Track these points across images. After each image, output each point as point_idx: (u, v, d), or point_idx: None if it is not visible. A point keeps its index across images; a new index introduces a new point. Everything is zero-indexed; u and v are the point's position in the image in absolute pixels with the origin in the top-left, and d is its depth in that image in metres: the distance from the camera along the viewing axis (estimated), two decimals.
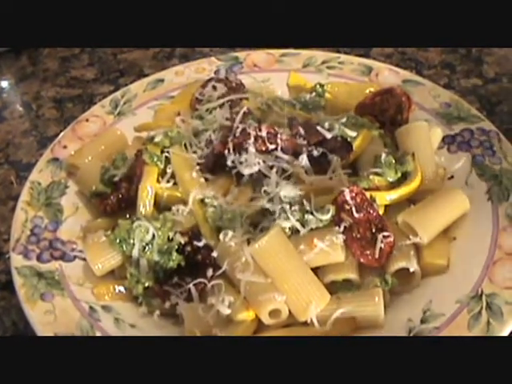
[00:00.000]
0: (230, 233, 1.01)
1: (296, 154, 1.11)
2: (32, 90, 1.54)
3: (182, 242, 1.03)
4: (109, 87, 1.52)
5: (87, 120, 1.29)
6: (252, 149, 1.09)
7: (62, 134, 1.27)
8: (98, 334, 0.97)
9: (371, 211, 1.03)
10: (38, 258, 1.07)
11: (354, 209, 1.02)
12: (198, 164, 1.12)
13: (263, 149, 1.10)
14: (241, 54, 1.42)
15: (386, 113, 1.23)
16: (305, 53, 1.41)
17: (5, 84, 1.59)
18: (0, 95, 1.56)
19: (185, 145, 1.15)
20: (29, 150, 1.39)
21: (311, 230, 1.01)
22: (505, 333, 0.93)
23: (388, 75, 1.34)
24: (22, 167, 1.35)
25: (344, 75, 1.35)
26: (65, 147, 1.24)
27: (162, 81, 1.37)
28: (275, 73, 1.37)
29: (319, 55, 1.40)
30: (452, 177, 1.17)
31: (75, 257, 1.08)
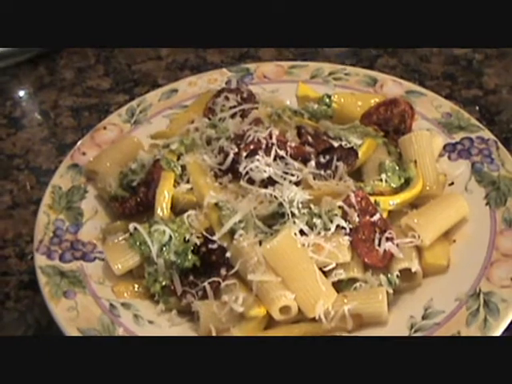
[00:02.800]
0: (243, 234, 1.06)
1: (305, 161, 1.16)
2: (50, 99, 1.60)
3: (198, 243, 1.08)
4: (124, 96, 1.58)
5: (105, 128, 1.34)
6: (263, 156, 1.15)
7: (80, 141, 1.32)
8: (119, 329, 1.03)
9: (376, 214, 1.08)
10: (61, 258, 1.12)
11: (359, 212, 1.08)
12: (212, 170, 1.18)
13: (273, 156, 1.15)
14: (251, 66, 1.47)
15: (389, 122, 1.27)
16: (312, 64, 1.46)
17: (23, 93, 1.64)
18: (19, 104, 1.61)
19: (199, 152, 1.21)
20: (48, 157, 1.45)
21: (319, 232, 1.06)
22: (501, 328, 0.98)
23: (392, 86, 1.39)
24: (42, 173, 1.41)
25: (350, 86, 1.40)
26: (84, 154, 1.29)
27: (175, 91, 1.42)
28: (284, 84, 1.42)
29: (326, 67, 1.45)
30: (452, 183, 1.21)
31: (95, 257, 1.13)
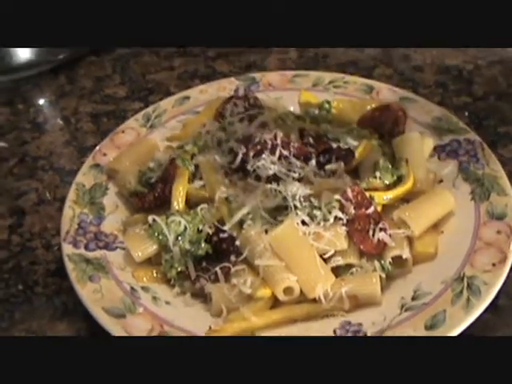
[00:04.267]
0: (251, 225, 1.17)
1: (306, 160, 1.27)
2: (70, 106, 1.71)
3: (210, 233, 1.19)
4: (139, 104, 1.68)
5: (123, 131, 1.47)
6: (268, 155, 1.26)
7: (101, 143, 1.44)
8: (140, 308, 1.14)
9: (370, 207, 1.19)
10: (86, 247, 1.23)
11: (355, 205, 1.18)
12: (223, 168, 1.29)
13: (278, 155, 1.26)
14: (257, 75, 1.59)
15: (384, 125, 1.39)
16: (313, 74, 1.58)
17: (46, 101, 1.76)
18: (42, 111, 1.73)
19: (211, 152, 1.32)
20: (70, 159, 1.56)
21: (319, 222, 1.17)
22: (482, 307, 1.09)
23: (387, 93, 1.50)
24: (65, 173, 1.52)
25: (348, 93, 1.51)
26: (104, 155, 1.41)
27: (188, 98, 1.54)
28: (288, 91, 1.54)
29: (326, 76, 1.56)
30: (441, 180, 1.32)
31: (117, 247, 1.25)
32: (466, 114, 1.58)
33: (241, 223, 1.19)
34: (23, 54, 1.75)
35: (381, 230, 1.19)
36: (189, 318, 1.14)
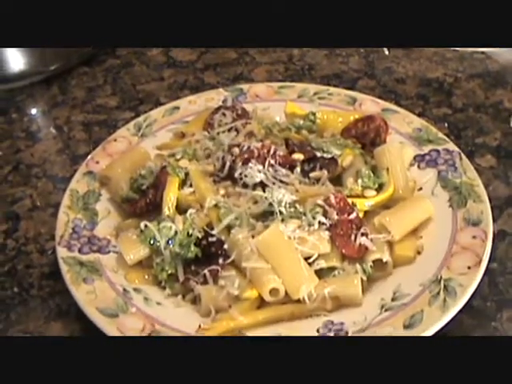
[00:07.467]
0: (238, 229, 1.22)
1: (291, 168, 1.33)
2: (63, 116, 1.76)
3: (199, 237, 1.24)
4: (130, 114, 1.73)
5: (115, 140, 1.52)
6: (255, 164, 1.32)
7: (94, 151, 1.49)
8: (132, 308, 1.19)
9: (352, 213, 1.25)
10: (80, 251, 1.28)
11: (338, 211, 1.24)
12: (212, 175, 1.34)
13: (264, 164, 1.32)
14: (244, 86, 1.65)
15: (366, 136, 1.44)
16: (299, 85, 1.64)
17: (39, 111, 1.81)
18: (35, 120, 1.78)
19: (200, 160, 1.38)
20: (63, 166, 1.60)
21: (303, 228, 1.22)
22: (457, 308, 1.15)
23: (370, 105, 1.56)
24: (58, 180, 1.57)
25: (332, 104, 1.57)
26: (97, 162, 1.46)
27: (177, 108, 1.59)
28: (274, 102, 1.60)
29: (311, 87, 1.63)
30: (421, 188, 1.38)
31: (110, 251, 1.30)
32: (446, 124, 1.64)
33: (229, 228, 1.24)
34: (16, 65, 1.80)
35: (362, 234, 1.24)
36: (179, 318, 1.19)
